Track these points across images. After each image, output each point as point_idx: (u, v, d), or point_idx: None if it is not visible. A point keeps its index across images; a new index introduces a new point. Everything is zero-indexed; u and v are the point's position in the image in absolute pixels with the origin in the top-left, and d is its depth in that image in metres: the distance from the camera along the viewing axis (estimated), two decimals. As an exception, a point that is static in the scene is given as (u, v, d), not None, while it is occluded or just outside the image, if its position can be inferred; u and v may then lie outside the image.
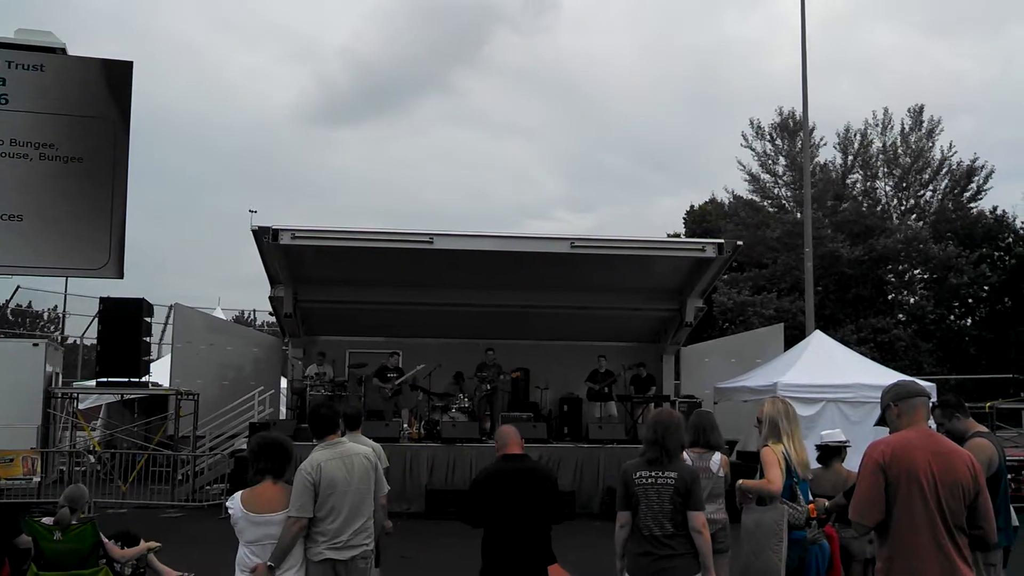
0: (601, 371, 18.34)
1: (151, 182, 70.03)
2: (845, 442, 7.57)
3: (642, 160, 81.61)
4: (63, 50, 17.64)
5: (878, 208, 37.85)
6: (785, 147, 38.43)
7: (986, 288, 34.63)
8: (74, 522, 6.88)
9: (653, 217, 77.01)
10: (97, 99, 17.32)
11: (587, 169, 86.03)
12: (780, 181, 39.09)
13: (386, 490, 5.93)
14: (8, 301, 28.78)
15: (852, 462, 6.49)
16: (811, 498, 5.96)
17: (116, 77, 17.49)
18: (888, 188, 38.72)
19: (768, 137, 38.83)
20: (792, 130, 37.42)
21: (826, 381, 14.94)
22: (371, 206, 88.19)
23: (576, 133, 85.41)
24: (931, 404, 7.01)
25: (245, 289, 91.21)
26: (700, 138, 74.68)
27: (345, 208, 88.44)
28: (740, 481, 5.92)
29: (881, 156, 38.21)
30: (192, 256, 79.60)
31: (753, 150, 39.04)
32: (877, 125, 38.04)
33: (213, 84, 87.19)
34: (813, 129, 35.61)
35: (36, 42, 17.38)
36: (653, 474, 5.23)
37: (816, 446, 7.58)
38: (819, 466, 7.36)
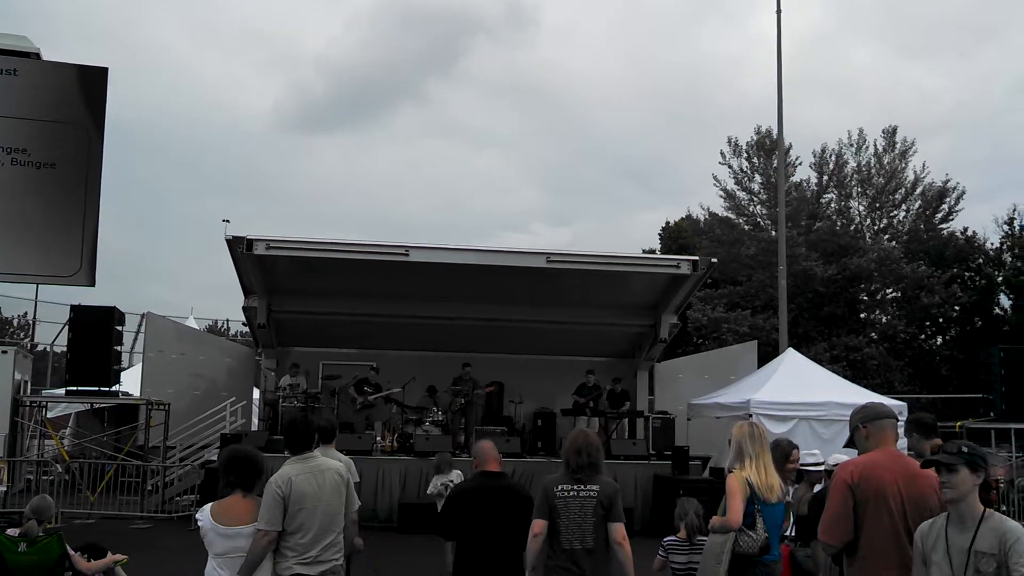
0: (589, 385, 18.32)
1: (123, 188, 69.52)
2: (810, 464, 7.46)
3: (619, 175, 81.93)
4: (37, 55, 17.52)
5: (852, 228, 38.17)
6: (761, 165, 38.73)
7: (957, 308, 34.99)
8: (40, 534, 6.79)
9: (630, 232, 77.37)
10: (71, 105, 17.21)
11: (564, 182, 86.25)
12: (756, 199, 39.36)
13: (357, 506, 5.89)
14: (-23, 307, 28.48)
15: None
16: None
17: (91, 83, 17.39)
18: (862, 208, 39.09)
19: (745, 155, 39.12)
20: (768, 149, 37.69)
21: (798, 399, 15.05)
22: (346, 215, 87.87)
23: (554, 146, 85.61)
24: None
25: (219, 298, 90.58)
26: (677, 154, 75.13)
27: (319, 217, 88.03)
28: (710, 523, 5.96)
29: (855, 176, 38.58)
30: (165, 264, 78.97)
31: (730, 167, 39.33)
32: (852, 145, 38.45)
33: (187, 90, 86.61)
34: (789, 149, 35.92)
35: (10, 46, 17.26)
36: (575, 488, 5.29)
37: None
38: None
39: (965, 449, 3.75)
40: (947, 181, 37.42)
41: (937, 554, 3.74)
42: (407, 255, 16.19)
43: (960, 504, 3.70)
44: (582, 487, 5.29)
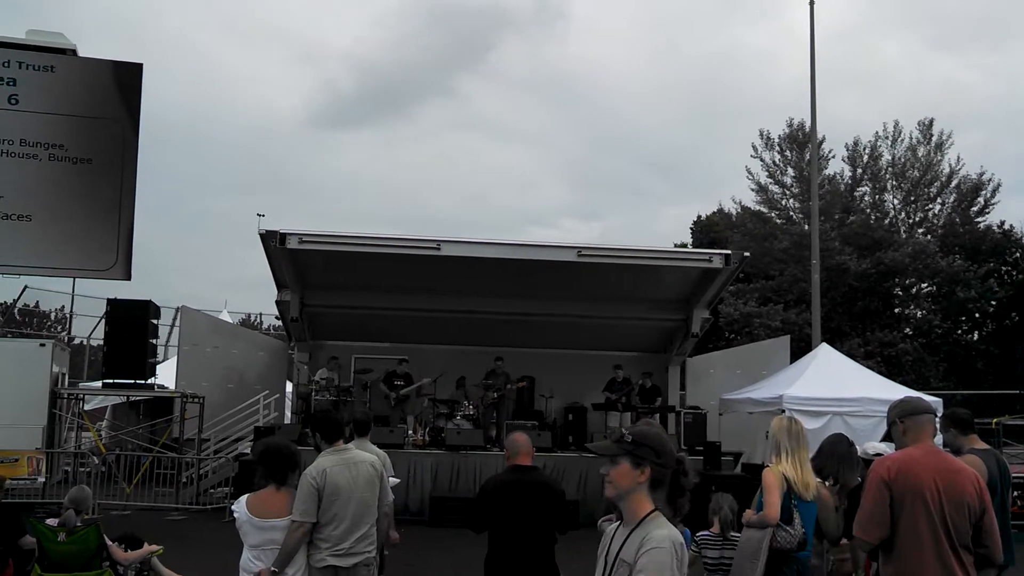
0: (619, 380, 18.28)
1: (157, 183, 70.27)
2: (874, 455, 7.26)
3: (649, 168, 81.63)
4: (73, 51, 17.73)
5: (886, 221, 37.76)
6: (794, 158, 38.39)
7: (993, 303, 34.51)
8: (78, 524, 6.88)
9: (659, 226, 76.94)
10: (107, 100, 17.40)
11: (593, 177, 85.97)
12: (788, 192, 39.04)
13: (391, 499, 5.93)
14: (15, 301, 28.87)
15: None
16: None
17: (125, 79, 17.57)
18: (896, 201, 38.67)
19: (777, 148, 38.80)
20: (801, 142, 37.37)
21: (832, 394, 14.90)
22: (375, 210, 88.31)
23: (582, 140, 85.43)
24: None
25: (252, 292, 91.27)
26: (707, 148, 74.63)
27: (349, 212, 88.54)
28: (744, 517, 5.91)
29: (890, 169, 38.16)
30: (197, 258, 79.74)
31: (763, 160, 39.02)
32: (887, 137, 38.01)
33: (218, 86, 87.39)
34: (822, 141, 35.56)
35: (47, 43, 17.48)
36: None
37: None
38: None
39: (628, 438, 3.16)
40: (982, 174, 36.97)
41: (600, 556, 3.25)
42: (439, 249, 16.21)
43: (622, 503, 3.14)
44: None
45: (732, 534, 6.45)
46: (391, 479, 11.06)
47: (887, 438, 4.74)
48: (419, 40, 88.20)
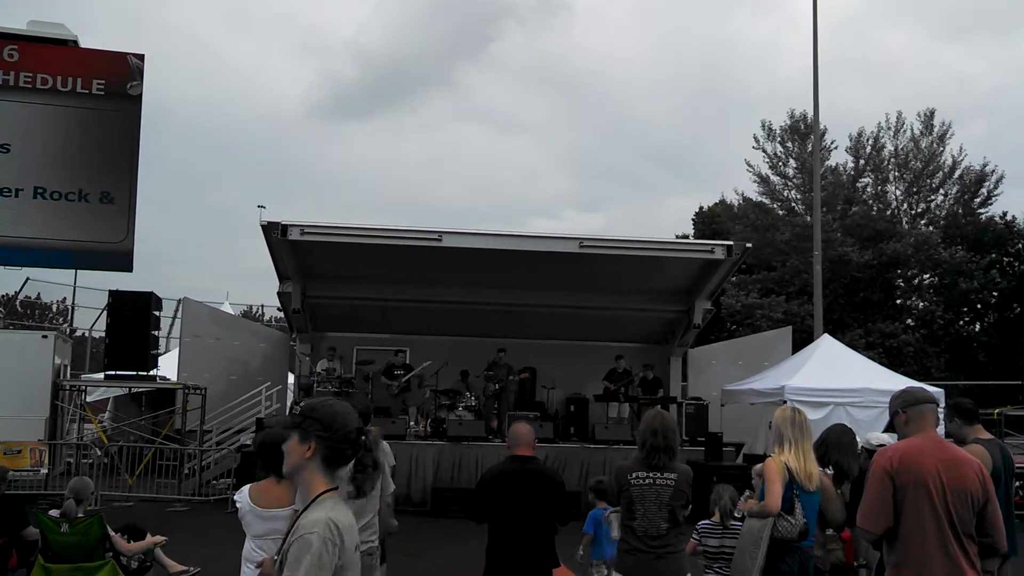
0: (619, 371, 18.27)
1: (158, 175, 70.36)
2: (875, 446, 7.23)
3: (651, 160, 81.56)
4: (75, 42, 17.74)
5: (888, 212, 37.71)
6: (795, 149, 38.32)
7: (995, 294, 34.49)
8: (80, 514, 6.90)
9: (661, 217, 76.98)
10: (108, 91, 17.41)
11: (595, 168, 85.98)
12: (790, 184, 38.99)
13: (391, 489, 5.93)
14: (17, 293, 28.93)
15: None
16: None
17: (128, 69, 17.57)
18: (899, 192, 38.61)
19: (779, 139, 38.72)
20: (803, 133, 37.30)
21: (834, 385, 14.89)
22: (377, 202, 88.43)
23: (585, 131, 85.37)
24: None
25: (254, 283, 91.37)
26: (710, 138, 74.57)
27: (351, 203, 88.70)
28: (744, 506, 5.91)
29: (892, 160, 38.08)
30: (200, 250, 79.82)
31: (764, 152, 38.95)
32: (890, 128, 37.93)
33: (220, 77, 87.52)
34: (824, 132, 35.48)
35: (48, 34, 17.52)
36: (651, 475, 5.26)
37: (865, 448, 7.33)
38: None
39: (296, 410, 3.10)
40: (985, 165, 36.91)
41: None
42: (440, 240, 16.20)
43: (298, 480, 3.00)
44: (659, 475, 5.25)
45: (732, 523, 6.47)
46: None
47: (889, 428, 4.71)
48: (421, 30, 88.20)
